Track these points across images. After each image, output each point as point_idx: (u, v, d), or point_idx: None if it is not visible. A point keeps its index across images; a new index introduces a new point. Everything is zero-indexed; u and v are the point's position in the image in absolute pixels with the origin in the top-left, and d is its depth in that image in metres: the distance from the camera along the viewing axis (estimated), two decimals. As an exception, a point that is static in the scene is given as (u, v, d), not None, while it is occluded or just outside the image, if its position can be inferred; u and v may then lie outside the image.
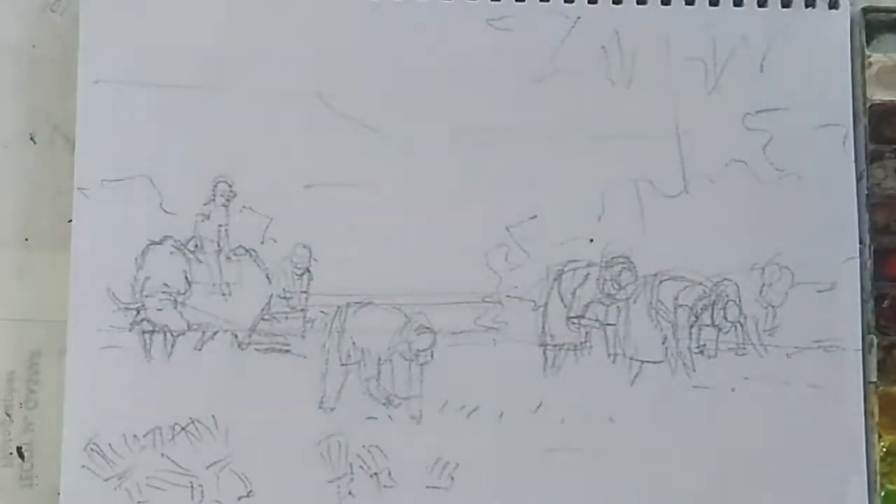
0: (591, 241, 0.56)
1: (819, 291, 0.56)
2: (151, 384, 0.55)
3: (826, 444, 0.56)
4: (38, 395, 0.56)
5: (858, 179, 0.57)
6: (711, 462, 0.55)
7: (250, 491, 0.54)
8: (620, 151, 0.57)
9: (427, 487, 0.55)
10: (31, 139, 0.57)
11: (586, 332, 0.56)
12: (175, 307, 0.55)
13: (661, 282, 0.56)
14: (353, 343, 0.55)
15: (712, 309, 0.56)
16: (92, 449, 0.54)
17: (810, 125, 0.57)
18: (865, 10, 0.58)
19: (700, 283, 0.56)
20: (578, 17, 0.57)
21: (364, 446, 0.55)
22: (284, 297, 0.55)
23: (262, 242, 0.56)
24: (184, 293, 0.55)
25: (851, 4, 0.58)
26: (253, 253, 0.56)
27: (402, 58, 0.57)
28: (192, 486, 0.54)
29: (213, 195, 0.56)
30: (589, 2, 0.57)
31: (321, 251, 0.56)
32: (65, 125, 0.57)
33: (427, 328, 0.55)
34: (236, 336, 0.55)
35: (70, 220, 0.55)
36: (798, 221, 0.57)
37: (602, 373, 0.56)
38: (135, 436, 0.54)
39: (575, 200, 0.56)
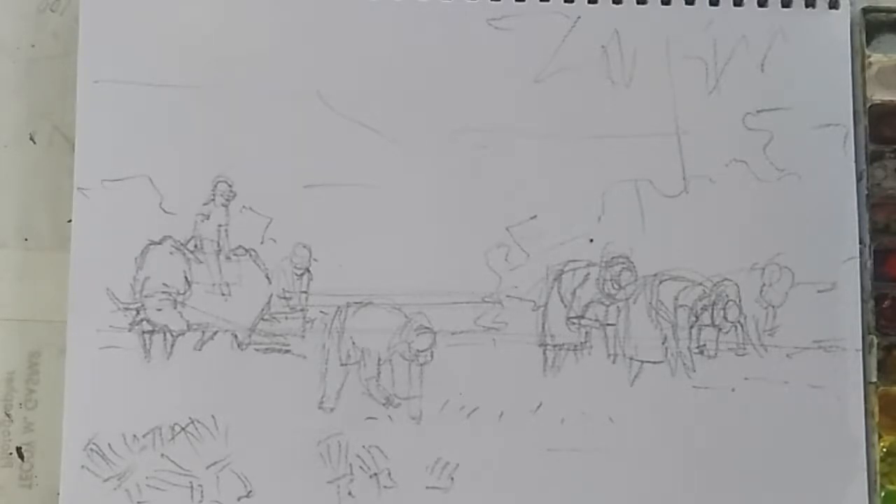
0: (591, 241, 0.56)
1: (819, 291, 0.56)
2: (151, 384, 0.55)
3: (826, 444, 0.56)
4: (37, 395, 0.56)
5: (858, 179, 0.57)
6: (711, 462, 0.55)
7: (250, 491, 0.54)
8: (620, 151, 0.57)
9: (427, 488, 0.55)
10: (31, 139, 0.57)
11: (586, 332, 0.56)
12: (175, 307, 0.55)
13: (661, 282, 0.56)
14: (353, 343, 0.55)
15: (712, 309, 0.56)
16: (92, 449, 0.54)
17: (810, 125, 0.57)
18: (865, 10, 0.58)
19: (700, 283, 0.56)
20: (578, 17, 0.57)
21: (364, 446, 0.55)
22: (284, 297, 0.55)
23: (262, 242, 0.56)
24: (184, 293, 0.55)
25: (851, 4, 0.58)
26: (253, 253, 0.56)
27: (403, 58, 0.57)
28: (192, 487, 0.54)
29: (213, 195, 0.56)
30: (589, 2, 0.57)
31: (321, 251, 0.56)
32: (64, 125, 0.57)
33: (427, 328, 0.55)
34: (236, 336, 0.55)
35: (70, 220, 0.55)
36: (798, 221, 0.57)
37: (602, 373, 0.56)
38: (135, 436, 0.54)
39: (575, 200, 0.56)
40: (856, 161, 0.57)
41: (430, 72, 0.57)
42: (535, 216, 0.56)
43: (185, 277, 0.55)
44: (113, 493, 0.54)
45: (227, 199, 0.56)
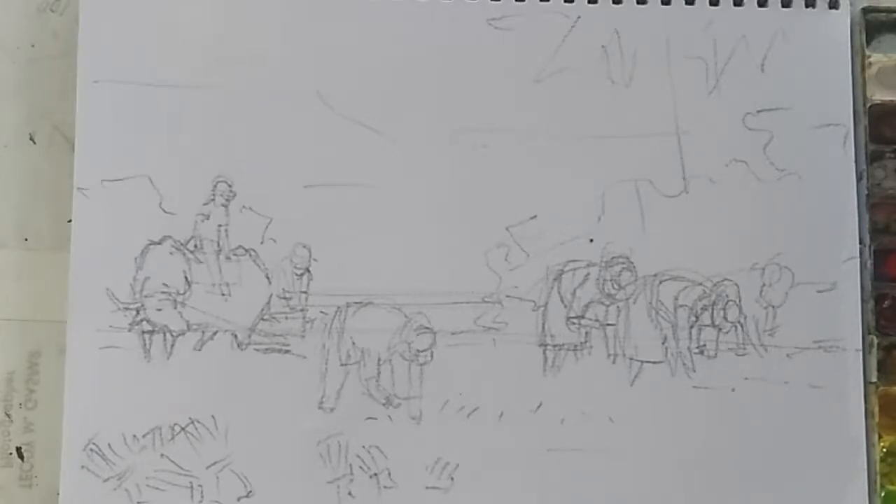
0: (591, 241, 0.56)
1: (819, 291, 0.56)
2: (151, 384, 0.55)
3: (826, 444, 0.56)
4: (37, 395, 0.56)
5: (858, 179, 0.57)
6: (711, 462, 0.55)
7: (250, 491, 0.54)
8: (620, 151, 0.57)
9: (427, 488, 0.55)
10: (31, 139, 0.57)
11: (586, 332, 0.56)
12: (175, 307, 0.55)
13: (661, 282, 0.56)
14: (353, 343, 0.55)
15: (712, 309, 0.56)
16: (91, 449, 0.54)
17: (810, 125, 0.57)
18: (865, 10, 0.58)
19: (700, 283, 0.56)
20: (578, 17, 0.57)
21: (364, 446, 0.55)
22: (284, 297, 0.55)
23: (262, 242, 0.56)
24: (183, 293, 0.55)
25: (851, 4, 0.58)
26: (253, 253, 0.56)
27: (403, 58, 0.57)
28: (191, 487, 0.54)
29: (213, 195, 0.56)
30: (589, 2, 0.57)
31: (321, 251, 0.56)
32: (64, 125, 0.57)
33: (427, 328, 0.55)
34: (236, 336, 0.55)
35: (70, 220, 0.55)
36: (798, 221, 0.57)
37: (602, 373, 0.56)
38: (134, 436, 0.54)
39: (575, 200, 0.56)
40: (856, 161, 0.57)
41: (430, 72, 0.57)
42: (535, 216, 0.56)
43: (185, 277, 0.55)
44: (113, 494, 0.54)
45: (227, 199, 0.56)
